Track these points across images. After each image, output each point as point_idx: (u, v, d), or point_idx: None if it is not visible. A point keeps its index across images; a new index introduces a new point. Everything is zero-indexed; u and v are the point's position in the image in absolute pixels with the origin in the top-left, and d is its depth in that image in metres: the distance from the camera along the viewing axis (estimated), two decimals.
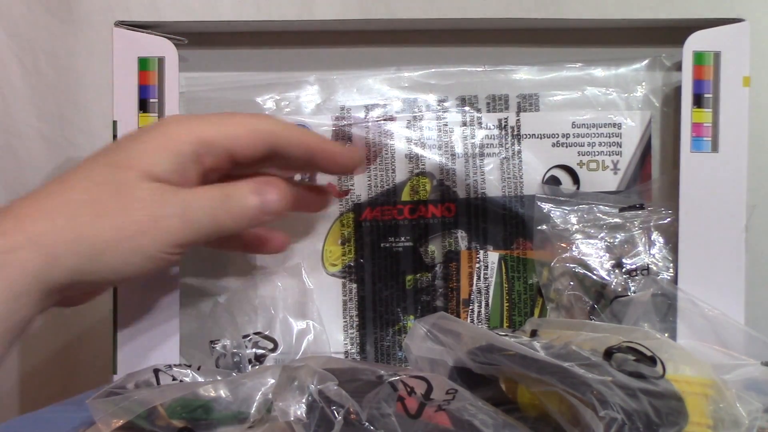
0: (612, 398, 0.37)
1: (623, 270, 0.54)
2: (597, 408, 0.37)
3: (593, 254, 0.55)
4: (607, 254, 0.54)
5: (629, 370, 0.41)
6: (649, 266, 0.54)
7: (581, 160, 0.58)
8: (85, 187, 0.43)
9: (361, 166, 0.54)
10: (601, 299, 0.54)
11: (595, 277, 0.54)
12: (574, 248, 0.55)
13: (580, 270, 0.54)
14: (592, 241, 0.55)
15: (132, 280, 0.47)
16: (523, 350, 0.42)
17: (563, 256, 0.55)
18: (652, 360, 0.42)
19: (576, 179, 0.58)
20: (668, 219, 0.55)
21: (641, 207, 0.55)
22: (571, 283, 0.54)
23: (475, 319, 0.58)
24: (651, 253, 0.55)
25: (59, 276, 0.42)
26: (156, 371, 0.48)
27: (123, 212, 0.43)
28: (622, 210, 0.56)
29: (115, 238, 0.43)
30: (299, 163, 0.50)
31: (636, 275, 0.54)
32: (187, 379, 0.48)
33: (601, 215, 0.55)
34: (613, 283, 0.54)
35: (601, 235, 0.55)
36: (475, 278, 0.58)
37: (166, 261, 0.45)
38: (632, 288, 0.54)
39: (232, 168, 0.48)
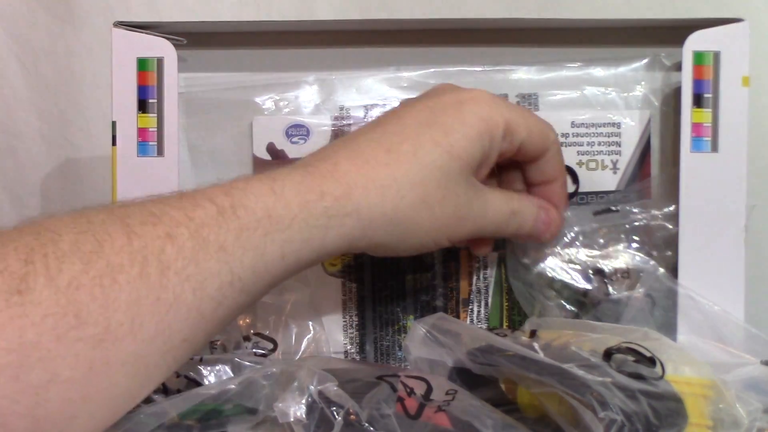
0: (611, 399, 0.37)
1: (603, 275, 0.54)
2: (597, 409, 0.37)
3: (570, 261, 0.55)
4: (585, 260, 0.54)
5: (629, 371, 0.41)
6: (629, 268, 0.54)
7: (581, 160, 0.58)
8: (415, 166, 0.45)
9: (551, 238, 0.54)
10: (583, 307, 0.54)
11: (574, 284, 0.54)
12: (549, 257, 0.55)
13: (558, 279, 0.54)
14: (568, 249, 0.55)
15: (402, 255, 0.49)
16: (522, 351, 0.42)
17: (540, 265, 0.55)
18: (651, 361, 0.42)
19: (575, 179, 0.58)
20: (644, 221, 0.55)
21: (615, 210, 0.55)
22: (553, 292, 0.54)
23: (474, 318, 0.58)
24: (631, 254, 0.55)
25: (366, 245, 0.45)
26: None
27: (442, 205, 0.45)
28: (596, 213, 0.56)
29: (427, 228, 0.45)
30: (537, 181, 0.52)
31: (615, 279, 0.54)
32: (190, 372, 0.48)
33: (575, 219, 0.55)
34: (594, 289, 0.54)
35: (578, 240, 0.55)
36: (474, 278, 0.58)
37: (442, 247, 0.48)
38: (613, 292, 0.54)
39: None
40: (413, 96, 0.58)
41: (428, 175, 0.45)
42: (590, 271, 0.54)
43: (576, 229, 0.54)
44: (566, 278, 0.54)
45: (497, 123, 0.47)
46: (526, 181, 0.52)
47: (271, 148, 0.58)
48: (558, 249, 0.54)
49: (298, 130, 0.58)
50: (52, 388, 0.35)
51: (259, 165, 0.58)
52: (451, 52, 0.59)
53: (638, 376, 0.40)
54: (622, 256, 0.54)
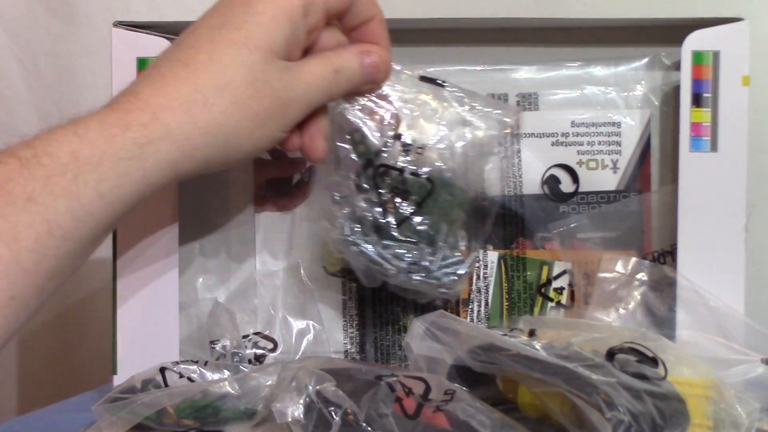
0: (618, 400, 0.37)
1: (401, 141, 0.52)
2: (604, 410, 0.37)
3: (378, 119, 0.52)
4: (391, 122, 0.52)
5: (632, 371, 0.41)
6: (426, 145, 0.52)
7: (581, 159, 0.58)
8: (215, 71, 0.43)
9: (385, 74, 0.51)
10: (369, 167, 0.52)
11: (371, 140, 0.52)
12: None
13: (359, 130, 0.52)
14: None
15: (245, 161, 0.48)
16: (525, 350, 0.42)
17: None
18: (653, 361, 0.42)
19: (575, 178, 0.58)
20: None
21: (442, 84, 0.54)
22: (348, 136, 0.51)
23: (474, 318, 0.58)
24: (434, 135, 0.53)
25: (192, 166, 0.43)
26: (162, 369, 0.48)
27: (257, 100, 0.43)
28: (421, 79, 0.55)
29: (250, 127, 0.44)
30: (353, 25, 0.49)
31: (409, 151, 0.52)
32: (194, 375, 0.48)
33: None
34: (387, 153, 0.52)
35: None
36: (474, 278, 0.58)
37: (281, 140, 0.46)
38: (402, 163, 0.52)
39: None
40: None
41: (231, 75, 0.43)
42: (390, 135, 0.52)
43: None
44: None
45: (292, 3, 0.45)
46: (345, 29, 0.49)
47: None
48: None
49: None
50: None
51: (259, 164, 0.58)
52: (451, 52, 0.59)
53: (642, 377, 0.40)
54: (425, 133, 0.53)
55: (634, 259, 0.56)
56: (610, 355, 0.42)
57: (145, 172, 0.41)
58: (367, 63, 0.48)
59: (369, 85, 0.50)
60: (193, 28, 0.45)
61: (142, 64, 0.54)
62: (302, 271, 0.58)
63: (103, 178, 0.40)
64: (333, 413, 0.39)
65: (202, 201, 0.57)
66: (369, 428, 0.38)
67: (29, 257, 0.39)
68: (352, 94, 0.50)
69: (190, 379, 0.47)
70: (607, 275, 0.56)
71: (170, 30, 0.54)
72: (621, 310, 0.55)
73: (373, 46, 0.49)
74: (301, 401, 0.40)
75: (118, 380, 0.52)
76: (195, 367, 0.48)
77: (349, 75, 0.48)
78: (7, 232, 0.38)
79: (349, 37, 0.49)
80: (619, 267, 0.56)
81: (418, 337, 0.46)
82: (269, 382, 0.45)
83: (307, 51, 0.47)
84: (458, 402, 0.41)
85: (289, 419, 0.39)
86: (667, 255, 0.57)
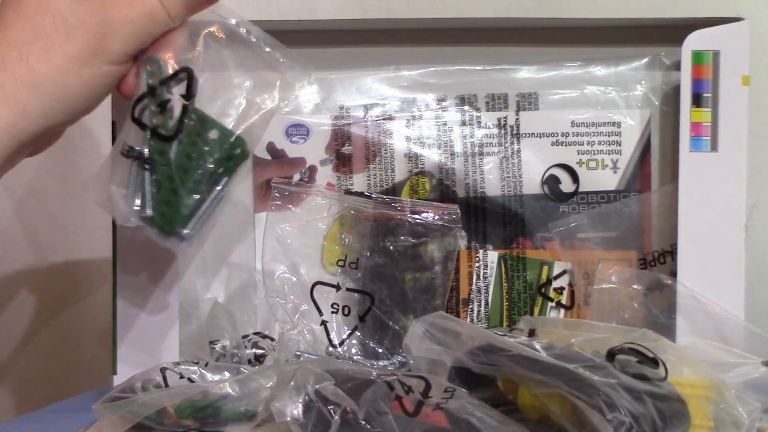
0: (619, 401, 0.37)
1: None
2: (605, 411, 0.37)
3: None
4: None
5: (632, 372, 0.41)
6: None
7: (581, 159, 0.58)
8: (22, 23, 0.42)
9: None
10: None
11: None
12: None
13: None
14: None
15: (91, 110, 0.45)
16: (525, 351, 0.42)
17: None
18: (654, 362, 0.42)
19: (575, 178, 0.58)
20: None
21: None
22: None
23: (474, 318, 0.58)
24: None
25: (31, 125, 0.42)
26: (163, 370, 0.48)
27: (69, 39, 0.42)
28: None
29: (73, 69, 0.42)
30: None
31: None
32: (194, 376, 0.48)
33: None
34: None
35: None
36: (474, 278, 0.58)
37: (116, 75, 0.44)
38: None
39: None
40: (412, 95, 0.58)
41: (39, 23, 0.41)
42: None
43: None
44: None
45: None
46: None
47: (271, 148, 0.58)
48: None
49: (297, 130, 0.58)
50: None
51: (259, 164, 0.58)
52: (451, 52, 0.59)
53: (642, 377, 0.40)
54: None
55: (629, 270, 0.56)
56: (611, 355, 0.42)
57: None
58: None
59: (193, 9, 0.45)
60: None
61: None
62: (302, 271, 0.58)
63: None
64: (332, 412, 0.39)
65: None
66: (368, 426, 0.38)
67: None
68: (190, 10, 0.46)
69: (190, 379, 0.47)
70: (604, 286, 0.56)
71: None
72: (620, 322, 0.55)
73: None
74: (300, 400, 0.40)
75: (118, 380, 0.52)
76: (195, 367, 0.48)
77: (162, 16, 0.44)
78: None
79: None
80: (615, 278, 0.56)
81: (418, 338, 0.46)
82: (269, 384, 0.45)
83: None
84: (458, 400, 0.40)
85: (288, 418, 0.39)
86: (667, 255, 0.57)
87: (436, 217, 0.55)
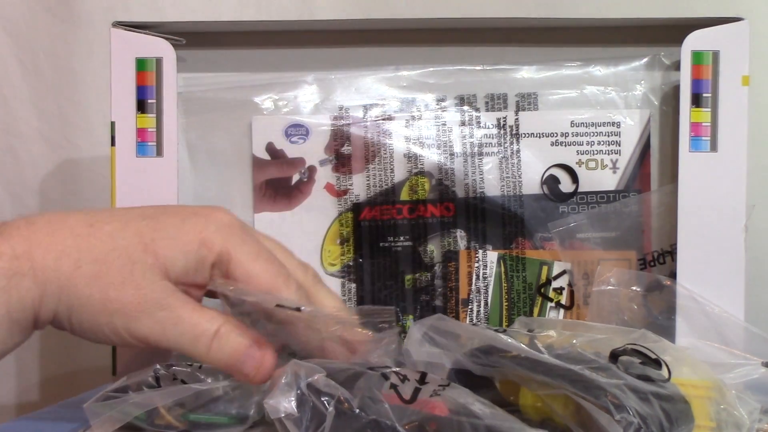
0: (627, 402, 0.37)
1: None
2: (612, 412, 0.37)
3: None
4: None
5: (636, 373, 0.41)
6: None
7: (580, 159, 0.58)
8: (103, 246, 0.42)
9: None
10: None
11: None
12: None
13: None
14: None
15: (98, 342, 0.45)
16: (528, 352, 0.42)
17: None
18: (656, 363, 0.42)
19: (575, 178, 0.58)
20: None
21: None
22: None
23: (474, 318, 0.58)
24: None
25: (47, 315, 0.42)
26: (156, 371, 0.48)
27: (118, 290, 0.42)
28: None
29: (99, 309, 0.42)
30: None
31: None
32: (188, 378, 0.48)
33: None
34: None
35: None
36: (474, 278, 0.58)
37: (130, 344, 0.44)
38: None
39: None
40: (412, 95, 0.58)
41: (113, 255, 0.42)
42: None
43: None
44: None
45: (211, 246, 0.44)
46: None
47: (270, 148, 0.58)
48: None
49: (297, 130, 0.58)
50: None
51: (258, 164, 0.58)
52: (450, 52, 0.59)
53: (646, 378, 0.40)
54: None
55: (629, 271, 0.56)
56: (614, 356, 0.42)
57: (10, 304, 0.40)
58: (252, 354, 0.44)
59: (234, 372, 0.45)
60: (138, 206, 0.45)
61: (141, 64, 0.54)
62: None
63: None
64: (326, 403, 0.39)
65: (201, 201, 0.57)
66: (363, 414, 0.38)
67: None
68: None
69: (183, 381, 0.47)
70: (604, 288, 0.56)
71: (170, 30, 0.55)
72: (619, 323, 0.55)
73: (269, 351, 0.44)
74: (293, 395, 0.40)
75: None
76: (189, 369, 0.48)
77: (219, 349, 0.44)
78: None
79: None
80: (614, 280, 0.56)
81: (417, 342, 0.46)
82: (262, 387, 0.45)
83: None
84: (454, 389, 0.40)
85: (282, 414, 0.39)
86: (667, 255, 0.57)
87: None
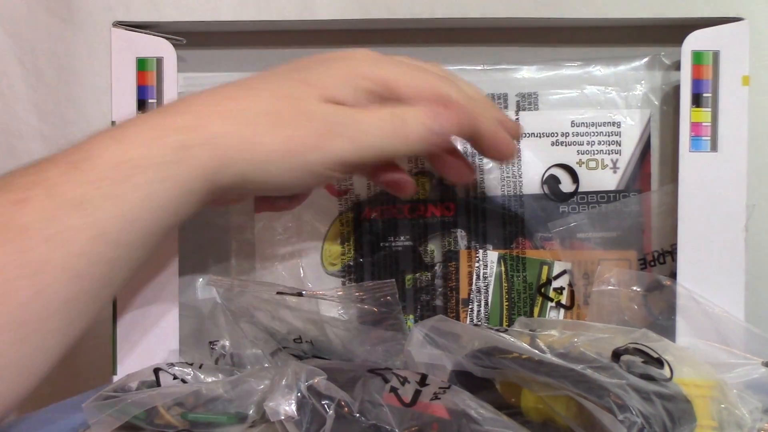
0: (630, 402, 0.37)
1: None
2: (616, 412, 0.37)
3: None
4: None
5: (638, 372, 0.41)
6: None
7: (580, 159, 0.58)
8: (266, 97, 0.44)
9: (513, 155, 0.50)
10: None
11: None
12: None
13: None
14: None
15: (290, 191, 0.48)
16: (530, 353, 0.42)
17: None
18: (658, 362, 0.42)
19: (575, 178, 0.58)
20: None
21: None
22: None
23: (474, 318, 0.58)
24: None
25: (227, 179, 0.43)
26: (157, 370, 0.48)
27: (297, 126, 0.43)
28: None
29: (286, 150, 0.43)
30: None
31: None
32: (188, 378, 0.48)
33: None
34: None
35: None
36: (474, 277, 0.58)
37: (328, 178, 0.45)
38: None
39: None
40: None
41: (279, 102, 0.44)
42: None
43: None
44: None
45: (365, 76, 0.45)
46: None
47: None
48: None
49: None
50: None
51: None
52: (451, 52, 0.59)
53: (649, 378, 0.40)
54: None
55: (629, 271, 0.56)
56: (616, 356, 0.42)
57: (183, 177, 0.41)
58: (435, 113, 0.46)
59: (434, 139, 0.46)
60: (272, 68, 0.47)
61: (141, 64, 0.54)
62: (301, 271, 0.58)
63: (148, 181, 0.40)
64: (326, 407, 0.39)
65: None
66: (363, 419, 0.38)
67: (80, 261, 0.39)
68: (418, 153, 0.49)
69: (184, 381, 0.47)
70: (604, 288, 0.56)
71: (170, 30, 0.55)
72: (619, 323, 0.55)
73: (448, 100, 0.47)
74: (293, 398, 0.40)
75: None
76: (189, 369, 0.48)
77: (412, 127, 0.45)
78: (57, 236, 0.38)
79: None
80: (614, 280, 0.55)
81: (418, 344, 0.46)
82: (261, 386, 0.45)
83: None
84: (454, 392, 0.40)
85: (282, 416, 0.39)
86: (667, 255, 0.57)
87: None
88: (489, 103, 0.52)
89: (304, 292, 0.48)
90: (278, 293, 0.48)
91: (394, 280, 0.52)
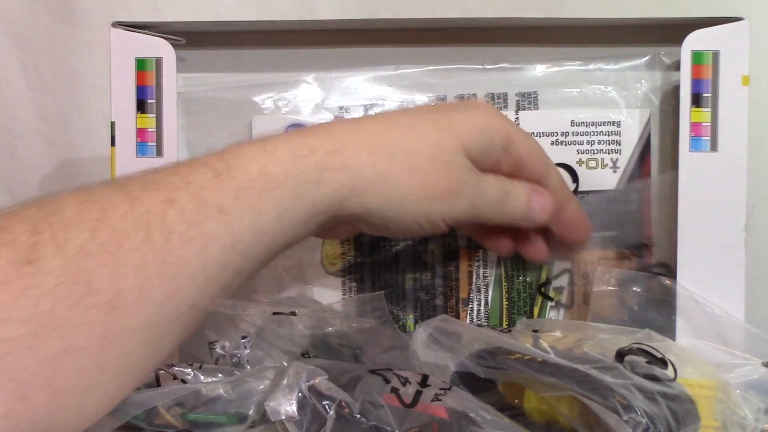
0: (635, 402, 0.37)
1: None
2: (620, 412, 0.37)
3: None
4: None
5: (642, 373, 0.41)
6: None
7: (580, 159, 0.58)
8: (408, 137, 0.45)
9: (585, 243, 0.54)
10: None
11: None
12: None
13: None
14: None
15: (401, 235, 0.50)
16: (535, 353, 0.42)
17: None
18: (662, 362, 0.42)
19: (575, 177, 0.58)
20: None
21: None
22: None
23: (474, 318, 0.58)
24: None
25: (352, 208, 0.43)
26: (156, 371, 0.48)
27: (435, 176, 0.44)
28: None
29: (422, 195, 0.44)
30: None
31: None
32: (188, 378, 0.48)
33: None
34: None
35: None
36: (474, 277, 0.58)
37: (437, 230, 0.46)
38: None
39: None
40: (412, 95, 0.58)
41: (422, 146, 0.44)
42: None
43: None
44: None
45: (498, 128, 0.47)
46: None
47: None
48: None
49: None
50: (68, 358, 0.35)
51: None
52: (451, 51, 0.59)
53: (653, 378, 0.40)
54: None
55: (629, 271, 0.56)
56: (620, 356, 0.42)
57: (317, 197, 0.42)
58: (534, 199, 0.49)
59: (527, 221, 0.50)
60: (408, 107, 0.49)
61: (141, 64, 0.54)
62: (302, 272, 0.58)
63: (284, 197, 0.41)
64: (327, 407, 0.39)
65: None
66: (364, 420, 0.38)
67: (213, 267, 0.39)
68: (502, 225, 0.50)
69: (183, 381, 0.47)
70: (603, 288, 0.56)
71: (170, 30, 0.55)
72: (619, 323, 0.55)
73: (544, 189, 0.50)
74: (294, 398, 0.40)
75: None
76: (189, 369, 0.48)
77: (514, 202, 0.48)
78: (198, 239, 0.38)
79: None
80: (614, 280, 0.56)
81: (423, 343, 0.46)
82: (261, 386, 0.45)
83: None
84: (455, 394, 0.40)
85: (283, 417, 0.39)
86: (644, 248, 0.57)
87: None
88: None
89: (296, 311, 0.49)
90: (274, 314, 0.48)
91: (383, 292, 0.53)
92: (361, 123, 0.46)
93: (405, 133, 0.45)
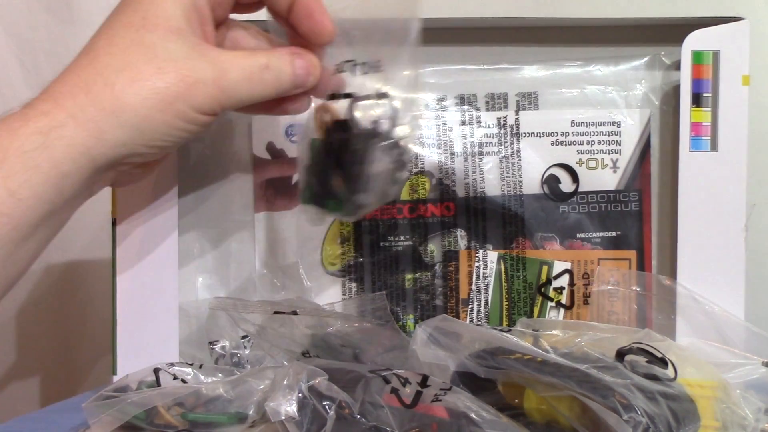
0: (635, 401, 0.37)
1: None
2: (620, 412, 0.37)
3: None
4: None
5: (642, 372, 0.41)
6: None
7: (580, 159, 0.58)
8: (114, 53, 0.42)
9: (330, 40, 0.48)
10: None
11: None
12: None
13: None
14: None
15: (173, 149, 0.46)
16: (535, 353, 0.42)
17: None
18: (662, 362, 0.42)
19: (575, 178, 0.58)
20: None
21: None
22: None
23: (474, 318, 0.58)
24: None
25: (107, 151, 0.42)
26: (156, 370, 0.48)
27: (159, 77, 0.42)
28: None
29: (157, 106, 0.42)
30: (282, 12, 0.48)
31: None
32: (188, 378, 0.48)
33: None
34: None
35: None
36: (474, 277, 0.58)
37: (202, 125, 0.44)
38: None
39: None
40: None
41: (131, 56, 0.42)
42: None
43: None
44: None
45: None
46: (274, 11, 0.48)
47: (270, 147, 0.58)
48: None
49: (297, 129, 0.58)
50: None
51: (258, 164, 0.58)
52: (451, 51, 0.59)
53: (653, 377, 0.40)
54: None
55: (629, 271, 0.56)
56: (620, 355, 0.42)
57: (54, 161, 0.40)
58: (299, 65, 0.46)
59: (297, 88, 0.47)
60: (105, 20, 0.45)
61: None
62: (301, 271, 0.58)
63: (10, 174, 0.39)
64: (327, 408, 0.39)
65: (201, 201, 0.57)
66: (364, 420, 0.38)
67: None
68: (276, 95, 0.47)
69: (183, 381, 0.47)
70: (603, 288, 0.56)
71: None
72: (619, 323, 0.55)
73: (304, 50, 0.47)
74: (294, 398, 0.40)
75: None
76: (189, 369, 0.48)
77: (277, 74, 0.45)
78: None
79: (289, 24, 0.47)
80: (614, 280, 0.56)
81: (423, 343, 0.46)
82: (261, 386, 0.45)
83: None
84: (455, 394, 0.40)
85: (283, 417, 0.39)
86: (668, 255, 0.57)
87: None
88: None
89: (298, 311, 0.49)
90: (275, 312, 0.48)
91: (384, 292, 0.52)
92: (68, 66, 0.43)
93: (108, 51, 0.42)
